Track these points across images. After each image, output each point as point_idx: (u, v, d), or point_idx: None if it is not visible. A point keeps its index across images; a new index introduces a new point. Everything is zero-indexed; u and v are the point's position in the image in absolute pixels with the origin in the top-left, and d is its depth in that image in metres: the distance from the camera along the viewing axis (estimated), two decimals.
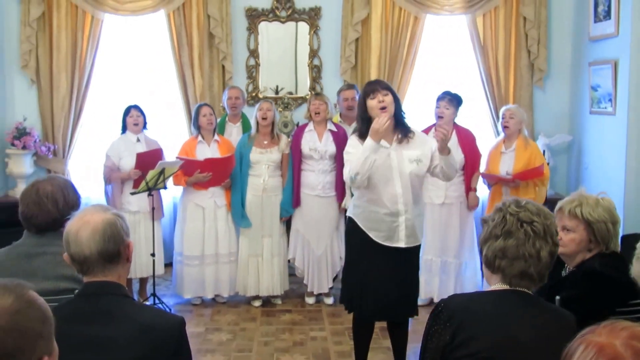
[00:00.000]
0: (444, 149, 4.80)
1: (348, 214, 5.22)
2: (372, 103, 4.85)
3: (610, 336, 1.63)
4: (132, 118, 7.21)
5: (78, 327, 2.49)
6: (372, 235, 4.95)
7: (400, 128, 4.94)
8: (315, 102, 7.14)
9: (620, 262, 3.36)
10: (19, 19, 8.30)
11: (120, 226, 2.68)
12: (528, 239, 2.75)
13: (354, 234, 5.10)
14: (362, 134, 4.90)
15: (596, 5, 7.84)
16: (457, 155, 6.90)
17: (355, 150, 4.86)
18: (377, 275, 4.97)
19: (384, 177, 4.85)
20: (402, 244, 4.90)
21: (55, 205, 3.35)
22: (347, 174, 4.88)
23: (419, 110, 8.15)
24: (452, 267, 7.11)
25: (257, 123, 7.16)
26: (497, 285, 2.83)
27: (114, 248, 2.64)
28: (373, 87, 4.90)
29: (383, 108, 4.81)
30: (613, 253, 3.47)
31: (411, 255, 5.04)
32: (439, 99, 6.99)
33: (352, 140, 5.04)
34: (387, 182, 4.86)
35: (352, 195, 7.00)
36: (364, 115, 4.93)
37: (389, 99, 4.85)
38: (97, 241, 2.60)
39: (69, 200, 3.40)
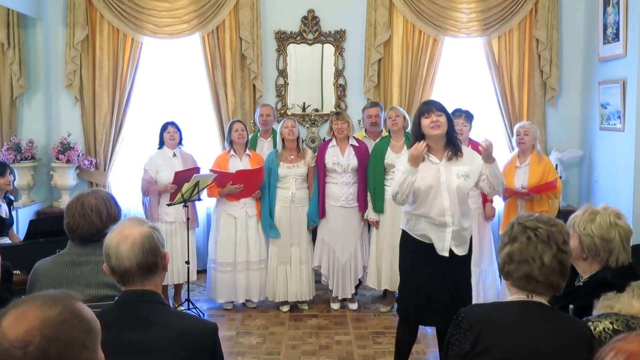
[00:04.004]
0: (488, 158, 4.81)
1: (401, 226, 5.19)
2: (425, 122, 4.85)
3: None
4: (169, 134, 7.24)
5: (119, 333, 2.48)
6: (425, 241, 4.95)
7: (450, 146, 4.91)
8: (337, 122, 7.13)
9: (631, 274, 3.31)
10: (65, 41, 8.39)
11: (157, 238, 2.68)
12: (530, 243, 2.75)
13: (406, 244, 5.11)
14: None
15: (605, 28, 7.79)
16: None
17: (402, 170, 4.92)
18: (429, 282, 4.95)
19: (433, 191, 4.84)
20: (446, 253, 4.87)
21: (99, 217, 3.35)
22: (390, 191, 5.02)
23: None
24: (473, 275, 7.04)
25: (283, 140, 7.17)
26: (515, 296, 2.82)
27: (153, 259, 2.63)
28: (428, 107, 4.89)
29: (435, 127, 4.81)
30: (626, 265, 3.42)
31: (460, 263, 4.97)
32: (454, 117, 6.97)
33: (403, 159, 5.04)
34: (436, 196, 4.84)
35: (374, 207, 7.03)
36: (418, 132, 4.92)
37: (442, 119, 4.84)
38: (137, 254, 2.59)
39: (111, 212, 3.40)
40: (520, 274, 2.76)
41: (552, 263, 2.74)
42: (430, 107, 4.88)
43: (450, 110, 6.97)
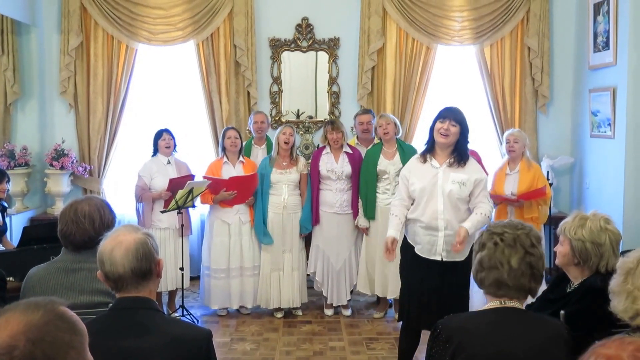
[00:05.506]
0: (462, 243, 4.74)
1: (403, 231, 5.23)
2: (437, 126, 4.86)
3: (618, 349, 1.63)
4: (164, 141, 7.20)
5: (113, 339, 2.47)
6: (416, 249, 4.97)
7: (456, 154, 4.90)
8: (332, 132, 7.11)
9: None
10: (59, 48, 8.36)
11: (151, 245, 2.66)
12: (498, 248, 2.79)
13: (404, 247, 5.13)
14: (424, 152, 4.99)
15: (595, 37, 7.81)
16: None
17: (407, 175, 5.00)
18: (421, 286, 4.96)
19: (428, 193, 4.86)
20: (438, 257, 4.88)
21: (92, 224, 3.31)
22: (395, 200, 5.17)
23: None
24: None
25: (278, 145, 7.16)
26: (489, 303, 2.84)
27: (146, 266, 2.62)
28: (446, 114, 4.87)
29: (443, 135, 4.82)
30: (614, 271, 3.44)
31: (455, 269, 4.94)
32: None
33: (411, 162, 5.10)
34: (430, 199, 4.86)
35: (365, 213, 7.02)
36: (430, 132, 4.95)
37: (455, 130, 4.82)
38: (131, 260, 2.58)
39: (105, 219, 3.37)
40: (491, 279, 2.79)
41: (520, 266, 2.77)
42: (449, 115, 4.87)
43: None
